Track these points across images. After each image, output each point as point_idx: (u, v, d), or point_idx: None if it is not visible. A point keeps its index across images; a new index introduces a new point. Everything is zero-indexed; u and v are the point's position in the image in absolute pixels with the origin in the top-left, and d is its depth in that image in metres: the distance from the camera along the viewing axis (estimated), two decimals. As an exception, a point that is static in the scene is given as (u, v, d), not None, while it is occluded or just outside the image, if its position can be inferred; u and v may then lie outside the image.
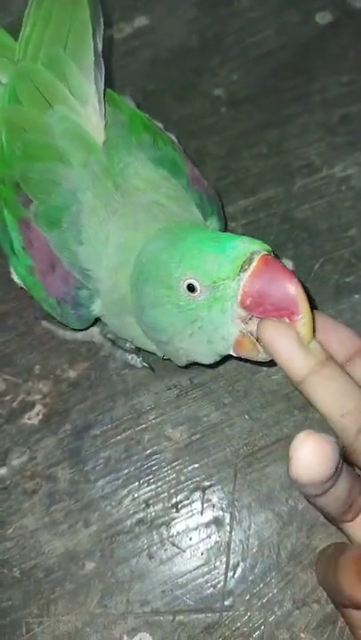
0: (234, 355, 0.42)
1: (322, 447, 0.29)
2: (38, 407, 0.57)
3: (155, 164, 0.49)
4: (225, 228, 0.54)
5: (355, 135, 0.66)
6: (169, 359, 0.49)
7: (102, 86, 0.48)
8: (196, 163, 0.55)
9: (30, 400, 0.57)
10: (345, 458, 0.33)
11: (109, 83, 0.50)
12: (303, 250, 0.61)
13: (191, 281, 0.40)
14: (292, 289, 0.36)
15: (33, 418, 0.56)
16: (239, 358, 0.43)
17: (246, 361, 0.43)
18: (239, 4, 0.74)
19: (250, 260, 0.38)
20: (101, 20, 0.49)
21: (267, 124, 0.67)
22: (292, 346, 0.36)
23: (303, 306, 0.36)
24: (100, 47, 0.48)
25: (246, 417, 0.55)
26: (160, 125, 0.55)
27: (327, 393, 0.35)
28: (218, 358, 0.45)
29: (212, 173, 0.65)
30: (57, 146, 0.47)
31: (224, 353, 0.43)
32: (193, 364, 0.47)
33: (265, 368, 0.56)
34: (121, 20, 0.74)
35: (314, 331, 0.37)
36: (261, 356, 0.40)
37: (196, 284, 0.40)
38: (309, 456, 0.29)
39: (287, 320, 0.37)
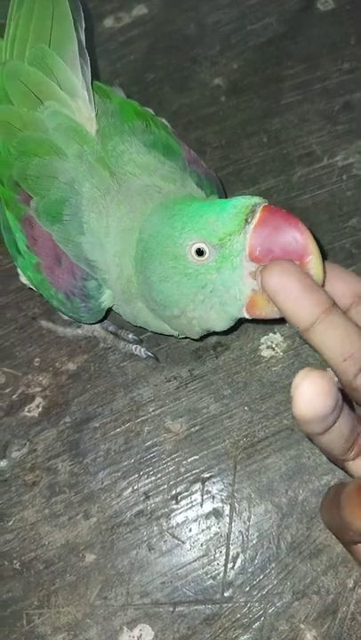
0: (248, 317, 0.42)
1: (321, 381, 0.30)
2: (38, 400, 0.57)
3: (149, 148, 0.49)
4: None
5: (356, 123, 0.65)
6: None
7: (89, 77, 0.48)
8: (195, 152, 0.54)
9: (30, 393, 0.57)
10: (345, 396, 0.34)
11: (95, 73, 0.50)
12: (304, 240, 0.60)
13: (198, 245, 0.41)
14: (300, 232, 0.37)
15: (33, 410, 0.56)
16: (253, 320, 0.43)
17: (258, 322, 0.43)
18: (239, -8, 0.73)
19: (253, 212, 0.39)
20: (82, 11, 0.49)
21: (267, 112, 0.67)
22: (299, 292, 0.35)
23: (312, 247, 0.37)
24: (83, 38, 0.48)
25: (246, 408, 0.54)
26: (150, 111, 0.54)
27: (332, 340, 0.35)
28: (232, 323, 0.44)
29: (212, 163, 0.64)
30: (51, 140, 0.47)
31: (238, 315, 0.43)
32: (209, 335, 0.47)
33: (264, 360, 0.56)
34: (120, 10, 0.74)
35: (324, 271, 0.38)
36: (277, 313, 0.40)
37: (204, 247, 0.41)
38: (310, 390, 0.30)
39: (297, 262, 0.37)
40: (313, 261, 0.37)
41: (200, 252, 0.41)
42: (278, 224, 0.38)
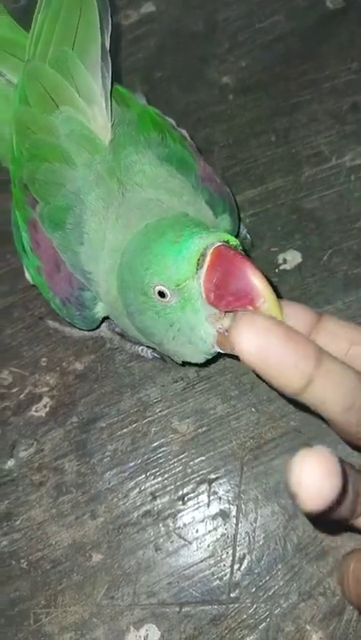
0: (222, 352, 0.42)
1: (323, 461, 0.26)
2: (45, 399, 0.57)
3: (162, 161, 0.48)
4: (238, 226, 0.54)
5: (364, 124, 0.65)
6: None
7: (109, 84, 0.47)
8: (203, 151, 0.54)
9: (37, 392, 0.57)
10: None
11: (118, 77, 0.50)
12: (311, 241, 0.60)
13: (159, 287, 0.40)
14: (248, 274, 0.35)
15: (40, 410, 0.57)
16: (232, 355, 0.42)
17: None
18: (248, -11, 0.73)
19: (204, 256, 0.38)
20: (110, 17, 0.48)
21: (275, 111, 0.67)
22: (283, 355, 0.28)
23: (263, 288, 0.34)
24: (107, 44, 0.47)
25: (253, 410, 0.55)
26: (172, 122, 0.54)
27: (331, 394, 0.30)
28: (206, 357, 0.44)
29: (220, 162, 0.64)
30: (62, 147, 0.47)
31: (208, 352, 0.42)
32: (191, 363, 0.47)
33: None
34: (128, 7, 0.73)
35: (281, 313, 0.34)
36: None
37: (165, 290, 0.40)
38: (315, 480, 0.26)
39: (250, 308, 0.35)
40: (266, 304, 0.34)
41: (162, 294, 0.40)
42: (227, 268, 0.36)
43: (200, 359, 0.44)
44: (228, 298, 0.36)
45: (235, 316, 0.34)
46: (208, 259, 0.37)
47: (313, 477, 0.26)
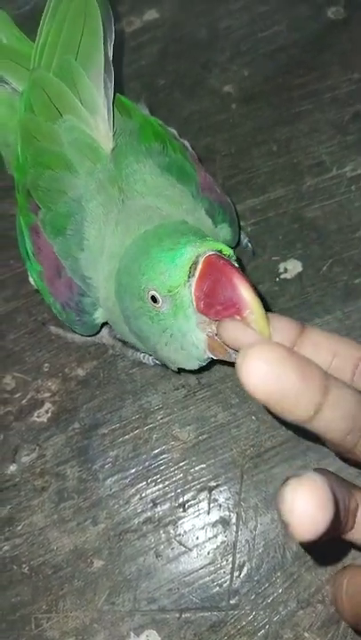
0: (215, 358, 0.42)
1: (318, 494, 0.26)
2: (47, 405, 0.57)
3: (162, 170, 0.49)
4: (238, 236, 0.54)
5: (365, 134, 0.65)
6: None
7: (112, 94, 0.48)
8: (204, 160, 0.54)
9: (39, 398, 0.58)
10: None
11: (121, 85, 0.50)
12: (312, 250, 0.61)
13: (152, 293, 0.41)
14: (235, 285, 0.36)
15: (42, 415, 0.57)
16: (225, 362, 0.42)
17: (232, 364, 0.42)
18: (250, -2, 0.73)
19: (196, 264, 0.38)
20: (113, 28, 0.49)
21: (277, 121, 0.67)
22: (295, 384, 0.27)
23: (250, 299, 0.35)
24: (110, 54, 0.48)
25: (253, 418, 0.55)
26: (174, 132, 0.54)
27: (337, 421, 0.30)
28: (200, 363, 0.44)
29: (222, 171, 0.65)
30: (65, 155, 0.48)
31: (202, 358, 0.43)
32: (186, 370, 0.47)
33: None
34: (131, 14, 0.74)
35: (268, 324, 0.34)
36: (235, 357, 0.39)
37: (157, 295, 0.41)
38: (308, 512, 0.26)
39: (238, 317, 0.35)
40: (253, 316, 0.35)
41: (155, 300, 0.41)
42: (217, 277, 0.37)
43: (193, 365, 0.45)
44: (216, 307, 0.37)
45: (221, 325, 0.36)
46: (200, 267, 0.38)
47: (305, 508, 0.26)
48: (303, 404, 0.28)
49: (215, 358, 0.42)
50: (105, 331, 0.57)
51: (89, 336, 0.57)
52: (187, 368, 0.46)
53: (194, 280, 0.38)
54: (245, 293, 0.35)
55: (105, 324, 0.53)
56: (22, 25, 0.56)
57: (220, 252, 0.39)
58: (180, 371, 0.48)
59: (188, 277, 0.39)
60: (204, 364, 0.44)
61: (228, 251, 0.39)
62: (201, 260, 0.38)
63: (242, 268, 0.51)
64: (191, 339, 0.41)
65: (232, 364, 0.43)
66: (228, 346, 0.38)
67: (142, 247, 0.44)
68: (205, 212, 0.50)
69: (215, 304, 0.37)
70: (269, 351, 0.27)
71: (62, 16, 0.50)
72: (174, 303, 0.40)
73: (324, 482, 0.26)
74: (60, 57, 0.49)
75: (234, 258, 0.39)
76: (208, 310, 0.38)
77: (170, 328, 0.42)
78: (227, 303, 0.36)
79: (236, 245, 0.56)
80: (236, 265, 0.39)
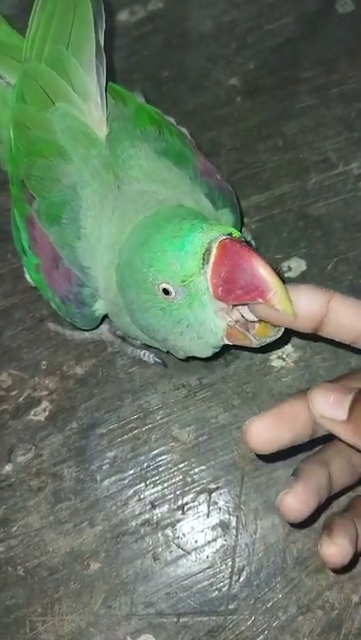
0: (231, 344, 0.42)
1: (302, 498, 0.36)
2: (44, 403, 0.56)
3: (159, 155, 0.48)
4: (240, 220, 0.53)
5: (372, 131, 0.64)
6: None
7: (104, 80, 0.47)
8: (209, 154, 0.53)
9: (36, 396, 0.56)
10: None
11: (117, 75, 0.49)
12: (317, 249, 0.60)
13: (164, 285, 0.40)
14: (256, 267, 0.35)
15: (39, 414, 0.56)
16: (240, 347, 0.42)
17: (246, 348, 0.42)
18: (257, -11, 0.72)
19: (209, 250, 0.38)
20: (103, 14, 0.48)
21: (283, 115, 0.66)
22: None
23: (272, 280, 0.35)
24: (101, 41, 0.47)
25: (255, 419, 0.54)
26: (172, 120, 0.53)
27: None
28: (216, 350, 0.44)
29: (226, 166, 0.63)
30: (58, 142, 0.47)
31: (218, 344, 0.43)
32: (196, 358, 0.47)
33: (275, 370, 0.55)
34: (135, 3, 0.72)
35: (291, 304, 0.36)
36: (256, 343, 0.40)
37: (169, 287, 0.40)
38: (295, 509, 0.36)
39: (260, 300, 0.35)
40: (277, 297, 0.35)
41: (167, 292, 0.40)
42: (234, 262, 0.36)
43: (208, 353, 0.45)
44: (236, 292, 0.37)
45: (253, 308, 0.37)
46: (214, 253, 0.37)
47: (291, 507, 0.36)
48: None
49: (231, 344, 0.42)
50: (105, 327, 0.56)
51: (88, 332, 0.56)
52: (199, 356, 0.45)
53: (209, 267, 0.38)
54: (267, 275, 0.35)
55: (105, 318, 0.52)
56: (13, 23, 0.55)
57: (231, 235, 0.38)
58: (189, 359, 0.47)
59: (203, 265, 0.38)
60: (217, 350, 0.44)
61: (237, 233, 0.38)
62: (214, 246, 0.37)
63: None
64: (210, 327, 0.41)
65: (241, 348, 0.43)
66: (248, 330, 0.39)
67: (142, 237, 0.43)
68: (205, 195, 0.49)
69: (235, 289, 0.37)
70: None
71: (52, 7, 0.49)
72: (188, 293, 0.39)
73: (307, 490, 0.36)
74: (51, 47, 0.48)
75: (244, 240, 0.38)
76: (227, 296, 0.37)
77: (185, 318, 0.41)
78: (248, 287, 0.36)
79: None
80: (251, 246, 0.38)
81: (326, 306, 0.36)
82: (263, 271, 0.35)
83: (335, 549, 0.35)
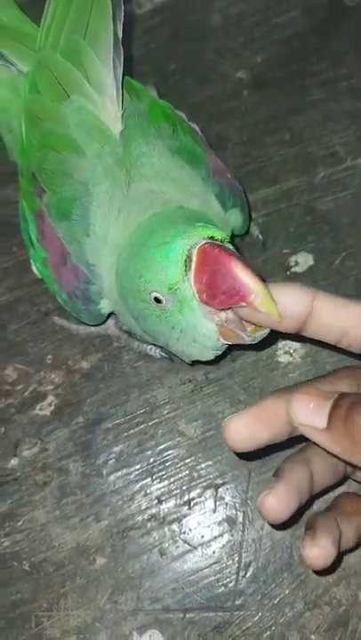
0: (229, 344, 0.42)
1: (283, 499, 0.36)
2: (50, 398, 0.56)
3: (172, 153, 0.48)
4: (248, 222, 0.53)
5: (381, 125, 0.64)
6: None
7: (121, 74, 0.46)
8: (216, 148, 0.53)
9: (42, 390, 0.56)
10: None
11: (130, 68, 0.48)
12: (324, 243, 0.59)
13: (154, 294, 0.40)
14: (235, 271, 0.35)
15: (45, 409, 0.55)
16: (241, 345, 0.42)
17: (249, 345, 0.42)
18: (265, -18, 0.71)
19: (190, 257, 0.38)
20: (122, 5, 0.47)
21: (291, 109, 0.65)
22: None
23: (252, 283, 0.35)
24: (120, 34, 0.46)
25: (262, 415, 0.54)
26: (183, 115, 0.53)
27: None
28: (216, 353, 0.44)
29: (233, 160, 0.63)
30: (72, 136, 0.46)
31: (216, 346, 0.42)
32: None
33: (282, 366, 0.55)
34: (142, -5, 0.71)
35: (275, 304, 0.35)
36: (249, 340, 0.40)
37: (159, 296, 0.40)
38: (276, 510, 0.36)
39: (244, 304, 0.35)
40: (258, 299, 0.35)
41: (158, 300, 0.40)
42: (213, 268, 0.36)
43: (209, 356, 0.44)
44: (220, 297, 0.36)
45: (239, 312, 0.37)
46: (194, 259, 0.37)
47: (272, 508, 0.36)
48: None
49: (229, 344, 0.42)
50: (111, 322, 0.56)
51: (94, 326, 0.56)
52: (203, 359, 0.45)
53: (191, 274, 0.38)
54: (247, 278, 0.35)
55: (111, 314, 0.52)
56: (26, 12, 0.54)
57: (213, 237, 0.38)
58: (195, 363, 0.47)
59: (185, 272, 0.38)
60: (220, 352, 0.44)
61: (220, 235, 0.38)
62: (194, 252, 0.37)
63: (251, 260, 0.50)
64: (202, 330, 0.41)
65: (241, 347, 0.43)
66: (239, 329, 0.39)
67: (135, 244, 0.43)
68: (215, 196, 0.49)
69: (218, 294, 0.36)
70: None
71: None
72: (177, 299, 0.40)
73: (289, 490, 0.36)
74: (68, 37, 0.47)
75: (228, 240, 0.38)
76: (212, 301, 0.37)
77: (178, 324, 0.41)
78: (229, 292, 0.36)
79: (245, 233, 0.55)
80: (232, 248, 0.38)
81: (311, 305, 0.35)
82: (243, 274, 0.35)
83: (318, 551, 0.35)
